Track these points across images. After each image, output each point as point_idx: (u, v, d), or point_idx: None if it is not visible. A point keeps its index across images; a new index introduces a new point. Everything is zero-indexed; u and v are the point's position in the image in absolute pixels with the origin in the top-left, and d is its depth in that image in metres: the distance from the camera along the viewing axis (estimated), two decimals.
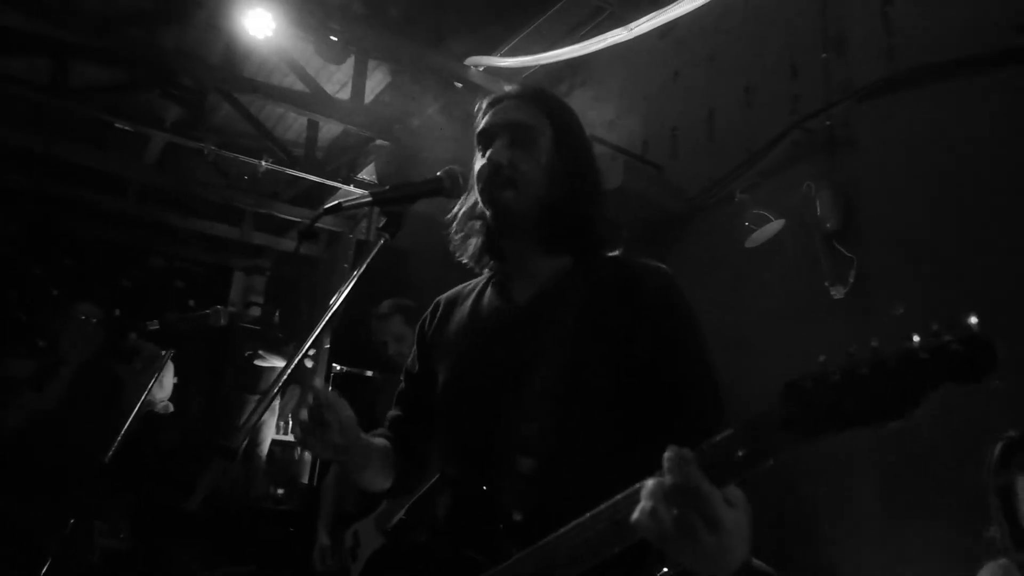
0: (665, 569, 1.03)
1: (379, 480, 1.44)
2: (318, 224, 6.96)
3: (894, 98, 3.06)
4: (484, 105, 1.43)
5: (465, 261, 1.48)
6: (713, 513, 0.83)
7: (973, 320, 0.72)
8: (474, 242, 1.44)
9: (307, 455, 6.88)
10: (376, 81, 5.63)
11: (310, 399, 1.20)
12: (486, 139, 1.38)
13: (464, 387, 1.36)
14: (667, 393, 1.22)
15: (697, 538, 0.83)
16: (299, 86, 5.29)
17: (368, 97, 5.40)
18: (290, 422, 7.10)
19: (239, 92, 5.46)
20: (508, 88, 1.44)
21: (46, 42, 4.81)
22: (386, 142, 5.55)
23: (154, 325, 3.78)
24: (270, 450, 6.56)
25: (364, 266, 1.31)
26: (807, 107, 3.39)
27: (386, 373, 3.72)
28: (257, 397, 6.06)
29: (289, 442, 7.09)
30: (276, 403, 6.47)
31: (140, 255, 8.14)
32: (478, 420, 1.30)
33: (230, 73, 5.28)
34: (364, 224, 6.90)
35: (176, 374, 5.26)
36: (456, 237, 1.47)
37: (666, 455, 0.85)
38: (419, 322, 1.59)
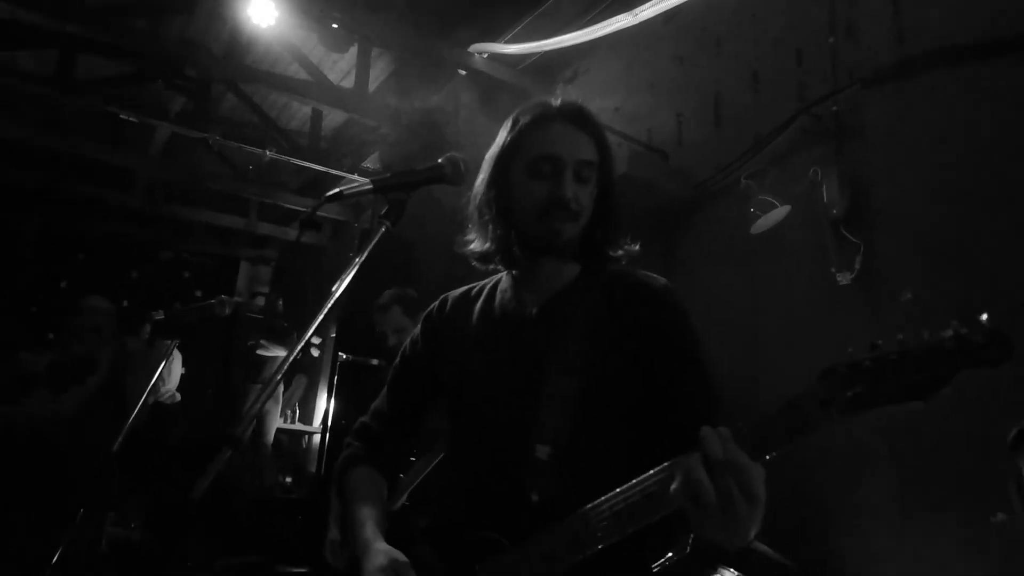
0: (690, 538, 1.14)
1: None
2: (321, 213, 7.03)
3: (902, 83, 3.03)
4: (537, 115, 1.39)
5: (473, 261, 1.49)
6: (750, 485, 0.94)
7: (984, 317, 0.88)
8: (484, 243, 1.43)
9: (314, 443, 6.93)
10: (380, 69, 5.61)
11: None
12: (553, 166, 1.35)
13: (483, 386, 1.40)
14: (665, 388, 1.29)
15: (735, 508, 0.93)
16: (303, 75, 5.28)
17: (372, 85, 5.38)
18: (296, 411, 7.17)
19: (243, 81, 5.45)
20: (560, 103, 1.39)
21: (52, 35, 4.81)
22: (390, 131, 5.53)
23: (159, 315, 3.80)
24: (277, 439, 6.59)
25: (365, 254, 1.30)
26: (814, 93, 3.36)
27: (391, 363, 3.71)
28: (259, 386, 6.08)
29: (295, 430, 7.13)
30: (280, 392, 6.50)
31: (148, 247, 8.19)
32: (498, 415, 1.36)
33: (234, 62, 5.27)
34: (369, 213, 6.90)
35: (184, 364, 5.30)
36: (465, 238, 1.48)
37: (703, 431, 0.97)
38: (425, 313, 1.60)
